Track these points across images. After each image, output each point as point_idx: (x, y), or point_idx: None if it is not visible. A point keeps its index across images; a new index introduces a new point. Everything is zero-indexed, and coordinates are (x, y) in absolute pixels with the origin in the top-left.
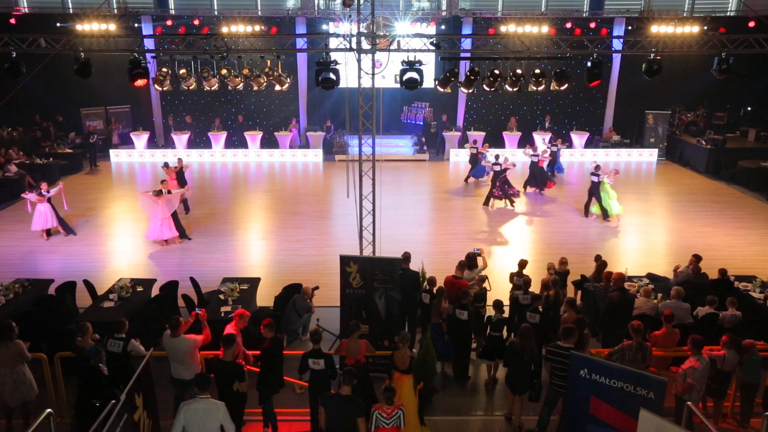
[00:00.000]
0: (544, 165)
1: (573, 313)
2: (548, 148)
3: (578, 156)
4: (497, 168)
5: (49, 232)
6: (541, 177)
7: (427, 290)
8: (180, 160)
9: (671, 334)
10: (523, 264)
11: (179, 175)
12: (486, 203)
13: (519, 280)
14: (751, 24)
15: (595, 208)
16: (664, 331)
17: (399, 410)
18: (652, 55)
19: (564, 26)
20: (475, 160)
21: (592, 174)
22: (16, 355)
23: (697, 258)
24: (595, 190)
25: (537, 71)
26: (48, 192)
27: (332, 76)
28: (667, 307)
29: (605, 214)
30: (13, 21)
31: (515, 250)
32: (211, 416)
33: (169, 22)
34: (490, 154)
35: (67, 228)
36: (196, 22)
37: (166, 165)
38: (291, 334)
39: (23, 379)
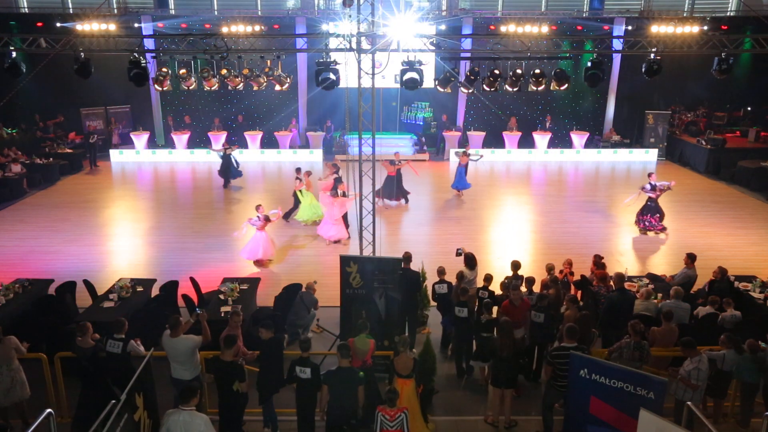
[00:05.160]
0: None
1: (575, 311)
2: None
3: (576, 156)
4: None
5: (259, 262)
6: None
7: (443, 281)
8: (332, 165)
9: (670, 331)
10: (516, 265)
11: (337, 181)
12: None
13: (518, 282)
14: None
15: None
16: (663, 328)
17: (402, 413)
18: (652, 55)
19: (564, 26)
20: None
21: (297, 179)
22: (11, 351)
23: (691, 257)
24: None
25: (537, 71)
26: (268, 217)
27: (332, 76)
28: (667, 307)
29: (287, 214)
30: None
31: (515, 249)
32: (193, 429)
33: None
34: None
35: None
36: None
37: (338, 179)
38: (294, 334)
39: (20, 378)
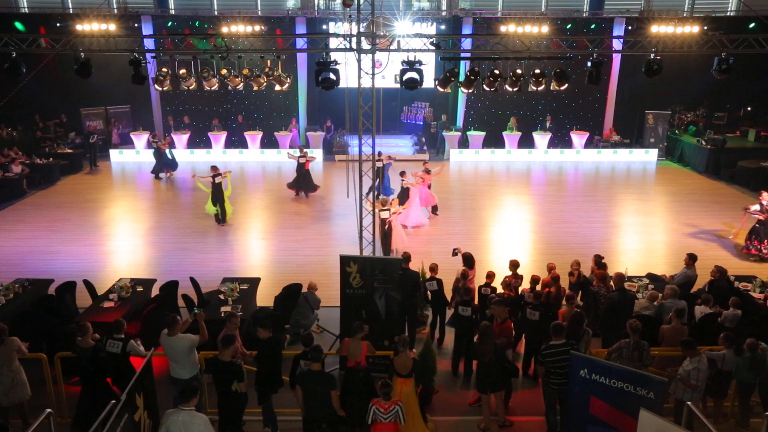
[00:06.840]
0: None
1: (571, 308)
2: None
3: (576, 156)
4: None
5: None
6: (305, 181)
7: (433, 278)
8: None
9: (679, 329)
10: (515, 264)
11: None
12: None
13: (518, 282)
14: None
15: (209, 208)
16: (673, 326)
17: (396, 406)
18: (652, 55)
19: (564, 26)
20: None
21: (214, 176)
22: (13, 352)
23: (692, 257)
24: (217, 191)
25: (537, 71)
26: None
27: (332, 76)
28: (669, 306)
29: (223, 217)
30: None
31: (515, 249)
32: (192, 429)
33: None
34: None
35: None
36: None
37: (427, 171)
38: (295, 334)
39: (20, 379)
